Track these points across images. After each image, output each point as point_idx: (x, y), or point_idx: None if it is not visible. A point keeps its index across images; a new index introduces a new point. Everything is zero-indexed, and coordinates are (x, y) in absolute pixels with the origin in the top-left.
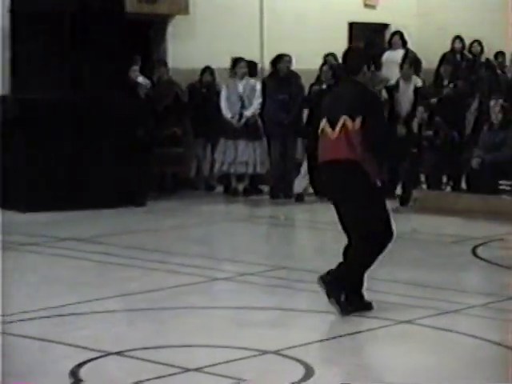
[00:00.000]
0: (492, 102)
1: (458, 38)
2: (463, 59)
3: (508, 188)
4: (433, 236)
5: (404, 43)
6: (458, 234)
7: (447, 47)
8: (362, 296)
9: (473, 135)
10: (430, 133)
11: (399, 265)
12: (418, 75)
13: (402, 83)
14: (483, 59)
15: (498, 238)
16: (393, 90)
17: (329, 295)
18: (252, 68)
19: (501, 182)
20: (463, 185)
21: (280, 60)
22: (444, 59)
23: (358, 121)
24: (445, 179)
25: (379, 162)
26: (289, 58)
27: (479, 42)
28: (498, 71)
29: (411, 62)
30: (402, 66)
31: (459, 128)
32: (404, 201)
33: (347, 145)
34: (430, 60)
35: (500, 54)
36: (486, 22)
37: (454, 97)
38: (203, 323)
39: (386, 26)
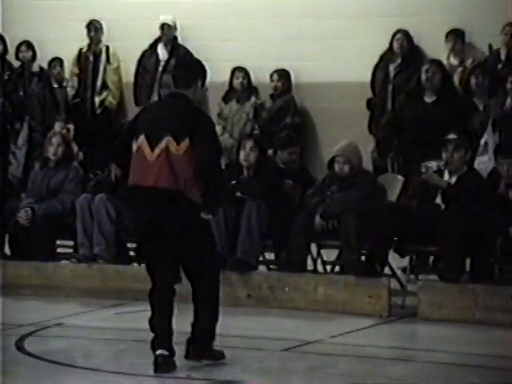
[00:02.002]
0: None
1: None
2: (4, 68)
3: (70, 251)
4: None
5: None
6: None
7: None
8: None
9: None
10: None
11: None
12: None
13: None
14: (35, 68)
15: (56, 323)
16: None
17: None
18: None
19: (59, 241)
20: (7, 249)
21: None
22: None
23: (184, 144)
24: None
25: (210, 193)
26: None
27: (29, 44)
28: (59, 84)
29: None
30: None
31: None
32: None
33: (169, 171)
34: None
35: (57, 61)
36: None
37: None
38: None
39: None
